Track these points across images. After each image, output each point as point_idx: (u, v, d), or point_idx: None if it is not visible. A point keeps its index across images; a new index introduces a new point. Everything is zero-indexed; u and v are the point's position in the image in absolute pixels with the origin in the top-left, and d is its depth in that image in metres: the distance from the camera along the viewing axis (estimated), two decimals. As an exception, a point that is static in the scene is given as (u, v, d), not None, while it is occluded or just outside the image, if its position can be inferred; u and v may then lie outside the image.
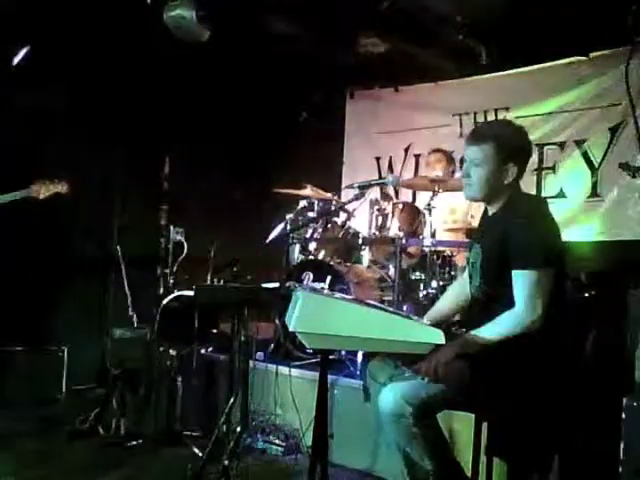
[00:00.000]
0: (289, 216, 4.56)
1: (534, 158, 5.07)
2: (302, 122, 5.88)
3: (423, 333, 2.16)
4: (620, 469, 2.47)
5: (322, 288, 3.85)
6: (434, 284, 4.16)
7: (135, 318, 4.04)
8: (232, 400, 3.18)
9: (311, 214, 4.56)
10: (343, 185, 5.96)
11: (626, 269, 3.97)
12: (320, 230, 4.52)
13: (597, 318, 3.13)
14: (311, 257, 4.46)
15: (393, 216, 4.47)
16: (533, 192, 4.90)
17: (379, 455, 3.26)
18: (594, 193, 4.93)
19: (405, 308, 3.99)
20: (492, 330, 2.24)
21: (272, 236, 4.48)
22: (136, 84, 4.71)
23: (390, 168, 6.04)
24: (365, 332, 2.16)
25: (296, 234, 4.53)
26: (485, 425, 2.38)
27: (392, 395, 2.23)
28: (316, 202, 4.59)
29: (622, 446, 2.47)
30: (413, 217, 4.47)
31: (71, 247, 4.81)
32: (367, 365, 2.58)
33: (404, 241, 4.13)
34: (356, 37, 5.15)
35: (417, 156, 5.88)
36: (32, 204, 3.75)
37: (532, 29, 4.48)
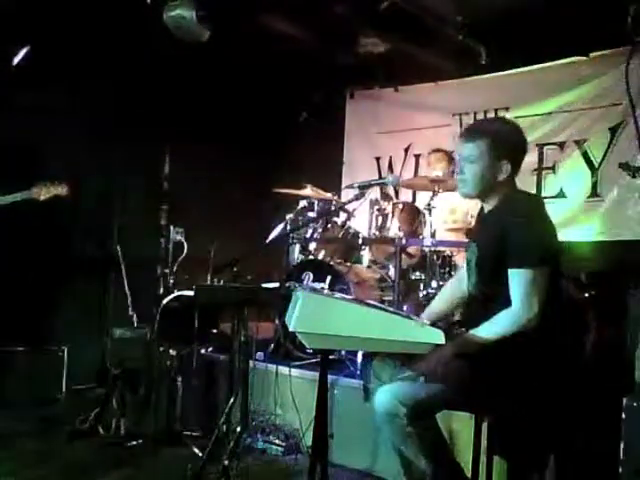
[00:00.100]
0: (289, 216, 4.56)
1: (534, 158, 5.07)
2: (302, 122, 5.88)
3: (423, 333, 2.16)
4: (620, 469, 2.46)
5: (322, 288, 3.86)
6: (434, 284, 4.16)
7: (135, 318, 4.04)
8: (232, 400, 3.17)
9: (311, 214, 4.56)
10: (343, 185, 5.95)
11: (626, 269, 3.98)
12: (320, 230, 4.51)
13: (597, 318, 3.12)
14: (311, 257, 4.45)
15: (393, 216, 4.47)
16: (533, 192, 4.90)
17: (379, 455, 3.26)
18: (594, 193, 4.93)
19: (405, 308, 3.99)
20: (489, 329, 2.25)
21: (272, 236, 4.47)
22: (136, 84, 4.71)
23: (390, 168, 6.03)
24: (365, 332, 2.16)
25: (296, 234, 4.53)
26: (485, 425, 2.38)
27: (386, 395, 2.23)
28: (316, 202, 4.59)
29: (622, 446, 2.46)
30: (413, 217, 4.48)
31: (71, 247, 4.81)
32: (371, 364, 2.58)
33: (404, 241, 4.12)
34: (356, 37, 5.16)
35: (417, 156, 5.88)
36: (32, 204, 3.76)
37: (532, 29, 4.48)
